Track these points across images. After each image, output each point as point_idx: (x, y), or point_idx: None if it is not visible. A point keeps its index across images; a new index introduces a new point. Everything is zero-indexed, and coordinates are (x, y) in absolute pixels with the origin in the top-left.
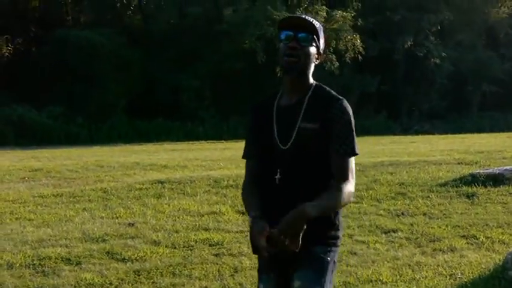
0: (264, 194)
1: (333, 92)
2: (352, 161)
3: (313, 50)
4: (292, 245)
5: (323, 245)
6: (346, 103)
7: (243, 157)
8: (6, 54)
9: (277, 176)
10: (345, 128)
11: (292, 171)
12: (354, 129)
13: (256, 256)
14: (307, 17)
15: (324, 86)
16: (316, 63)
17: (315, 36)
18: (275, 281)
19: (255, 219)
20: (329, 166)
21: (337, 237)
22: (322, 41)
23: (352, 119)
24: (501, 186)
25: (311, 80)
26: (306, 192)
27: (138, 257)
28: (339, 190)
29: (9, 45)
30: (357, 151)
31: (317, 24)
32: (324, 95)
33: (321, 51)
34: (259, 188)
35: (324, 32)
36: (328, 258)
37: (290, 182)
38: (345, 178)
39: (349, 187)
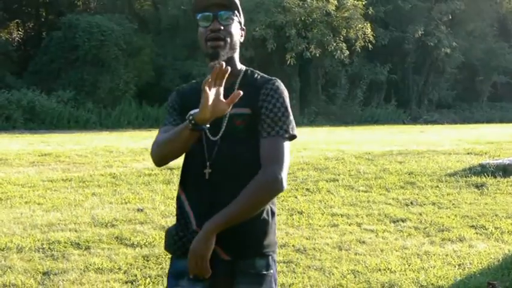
0: (191, 190)
1: (266, 76)
2: (286, 145)
3: (236, 27)
4: (203, 271)
5: (262, 256)
6: (279, 83)
7: (162, 125)
8: (17, 38)
9: (207, 170)
10: (276, 108)
11: (224, 164)
12: (288, 110)
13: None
14: None
15: (255, 71)
16: (241, 40)
17: (236, 11)
18: None
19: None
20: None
21: (275, 243)
22: (241, 14)
23: (287, 99)
24: (511, 176)
25: (239, 64)
26: (240, 187)
27: (146, 242)
28: (251, 186)
29: (20, 29)
30: (293, 132)
31: None
32: (255, 79)
33: (243, 26)
34: (185, 183)
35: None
36: (271, 272)
37: (222, 176)
38: (274, 163)
39: (275, 174)
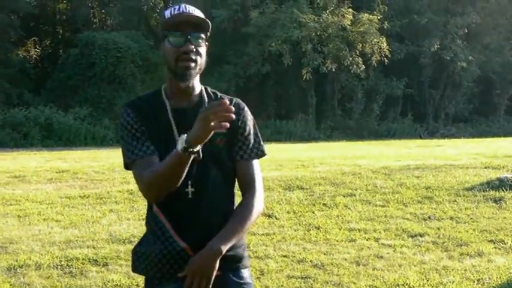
0: (171, 209)
1: (226, 95)
2: (258, 164)
3: (204, 48)
4: None
5: (245, 268)
6: (244, 104)
7: (129, 161)
8: (34, 56)
9: (190, 189)
10: (252, 130)
11: (206, 183)
12: (257, 129)
13: None
14: (195, 12)
15: (211, 89)
16: None
17: (207, 32)
18: None
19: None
20: (234, 174)
21: (248, 258)
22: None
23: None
24: None
25: (198, 84)
26: (222, 204)
27: None
28: (248, 206)
29: (37, 47)
30: (265, 153)
31: (201, 13)
32: (221, 98)
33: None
34: (164, 204)
35: None
36: (253, 282)
37: (204, 194)
38: (258, 186)
39: (258, 199)
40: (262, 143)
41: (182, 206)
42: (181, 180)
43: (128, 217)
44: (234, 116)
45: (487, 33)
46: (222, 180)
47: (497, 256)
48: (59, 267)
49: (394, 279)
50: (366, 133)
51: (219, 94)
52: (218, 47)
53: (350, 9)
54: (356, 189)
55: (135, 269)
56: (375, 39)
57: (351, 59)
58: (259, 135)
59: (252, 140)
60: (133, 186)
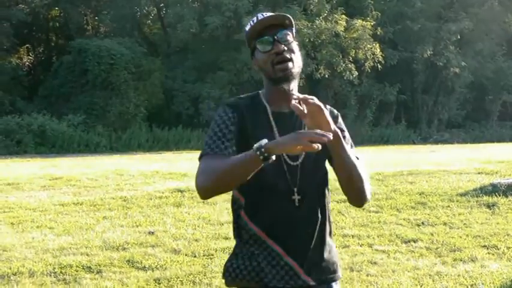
0: (276, 220)
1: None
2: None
3: (296, 45)
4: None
5: (336, 282)
6: (337, 112)
7: (203, 153)
8: (27, 63)
9: (296, 197)
10: (346, 135)
11: (310, 190)
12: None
13: None
14: (274, 13)
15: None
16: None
17: (292, 29)
18: None
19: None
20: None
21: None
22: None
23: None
24: None
25: None
26: (322, 209)
27: (158, 266)
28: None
29: (30, 54)
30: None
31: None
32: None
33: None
34: (262, 218)
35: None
36: None
37: (310, 201)
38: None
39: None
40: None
41: (289, 217)
42: (238, 184)
43: (122, 224)
44: (327, 139)
45: (479, 39)
46: (323, 184)
47: (490, 261)
48: (52, 274)
49: (388, 285)
50: (359, 139)
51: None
52: (211, 53)
53: (343, 16)
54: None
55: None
56: (368, 45)
57: (344, 65)
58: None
59: (349, 146)
60: (126, 193)
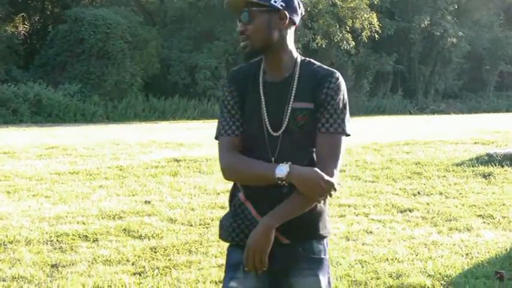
0: (257, 187)
1: (324, 66)
2: (342, 143)
3: (262, 22)
4: (260, 266)
5: (318, 239)
6: (341, 78)
7: (217, 134)
8: (23, 32)
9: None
10: (338, 104)
11: (287, 159)
12: (347, 107)
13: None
14: None
15: (313, 61)
16: (291, 28)
17: (254, 8)
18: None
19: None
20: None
21: (329, 227)
22: (277, 0)
23: (346, 94)
24: None
25: (294, 52)
26: None
27: (154, 234)
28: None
29: (26, 23)
30: (349, 131)
31: None
32: (316, 70)
33: (286, 13)
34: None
35: None
36: (327, 257)
37: None
38: (329, 160)
39: (330, 172)
40: (348, 121)
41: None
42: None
43: (118, 193)
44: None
45: (476, 9)
46: (304, 156)
47: (485, 231)
48: (49, 242)
49: (384, 254)
50: (356, 109)
51: (319, 66)
52: (207, 23)
53: None
54: (346, 165)
55: (219, 235)
56: (365, 15)
57: (341, 35)
58: (347, 112)
59: (335, 116)
60: (123, 162)
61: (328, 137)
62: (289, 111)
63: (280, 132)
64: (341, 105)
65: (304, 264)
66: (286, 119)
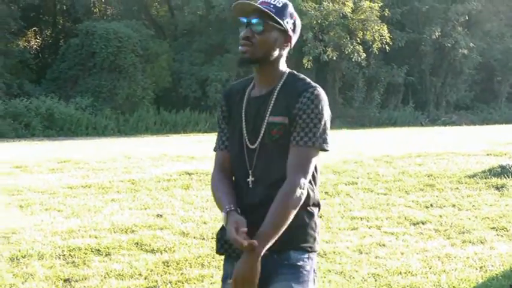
0: (239, 199)
1: (307, 80)
2: (313, 156)
3: (271, 37)
4: None
5: (296, 250)
6: (319, 91)
7: (214, 149)
8: (35, 46)
9: (250, 179)
10: (310, 118)
11: (264, 174)
12: (323, 120)
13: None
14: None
15: (298, 74)
16: (287, 49)
17: (270, 22)
18: None
19: (231, 211)
20: None
21: (313, 241)
22: (289, 22)
23: (325, 108)
24: None
25: (283, 69)
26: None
27: (167, 248)
28: (278, 201)
29: (38, 37)
30: (324, 146)
31: (279, 3)
32: (295, 84)
33: (290, 34)
34: (233, 187)
35: (291, 11)
36: (308, 267)
37: (260, 183)
38: (298, 172)
39: (297, 183)
40: (322, 135)
41: (243, 195)
42: None
43: (130, 206)
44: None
45: (487, 20)
46: (278, 170)
47: (499, 243)
48: (61, 257)
49: (397, 267)
50: (367, 121)
51: (300, 79)
52: (218, 36)
53: None
54: (358, 178)
55: (216, 250)
56: (376, 27)
57: (351, 47)
58: (324, 127)
59: (307, 129)
60: (135, 175)
61: (297, 150)
62: (264, 125)
63: (256, 145)
64: (315, 119)
65: (278, 270)
66: (261, 133)
